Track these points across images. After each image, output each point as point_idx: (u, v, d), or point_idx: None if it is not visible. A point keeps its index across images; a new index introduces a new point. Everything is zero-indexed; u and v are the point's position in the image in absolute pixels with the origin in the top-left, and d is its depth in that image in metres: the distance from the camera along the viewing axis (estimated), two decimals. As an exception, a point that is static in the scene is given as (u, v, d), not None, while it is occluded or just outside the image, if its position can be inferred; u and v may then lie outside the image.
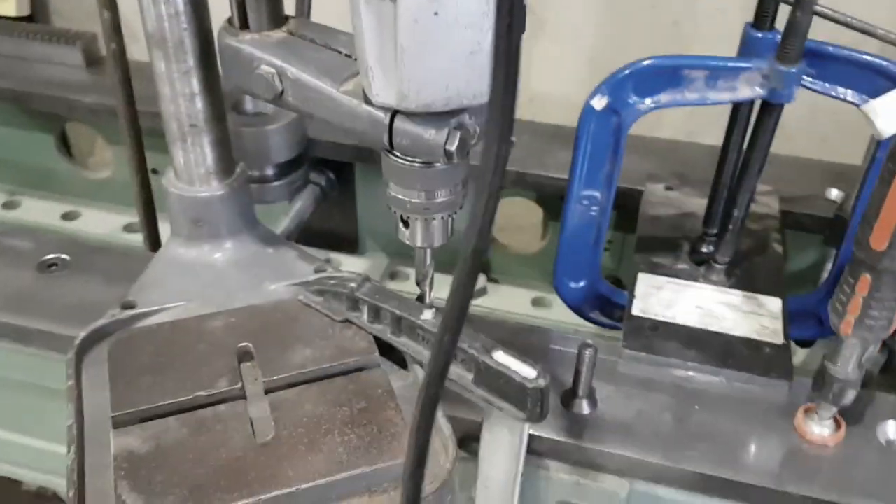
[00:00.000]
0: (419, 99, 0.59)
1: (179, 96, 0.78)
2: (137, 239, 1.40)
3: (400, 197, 0.71)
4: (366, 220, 1.42)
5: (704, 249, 0.96)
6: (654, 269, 0.95)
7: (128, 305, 0.81)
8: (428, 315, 0.72)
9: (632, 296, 0.91)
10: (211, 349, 0.75)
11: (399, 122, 0.64)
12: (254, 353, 0.75)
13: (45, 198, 1.50)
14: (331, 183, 1.35)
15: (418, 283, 0.80)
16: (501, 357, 0.67)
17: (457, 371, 0.70)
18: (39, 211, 1.47)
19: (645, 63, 0.81)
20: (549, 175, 1.17)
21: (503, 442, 0.70)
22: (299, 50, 0.70)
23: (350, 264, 1.41)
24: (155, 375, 0.72)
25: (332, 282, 0.80)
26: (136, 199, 1.07)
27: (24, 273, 0.94)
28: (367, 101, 0.65)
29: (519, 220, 1.38)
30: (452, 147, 0.63)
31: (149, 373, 0.72)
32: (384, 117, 0.64)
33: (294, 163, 1.20)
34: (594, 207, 0.91)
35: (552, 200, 1.26)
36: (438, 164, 0.68)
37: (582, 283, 0.97)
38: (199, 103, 0.79)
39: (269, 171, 1.19)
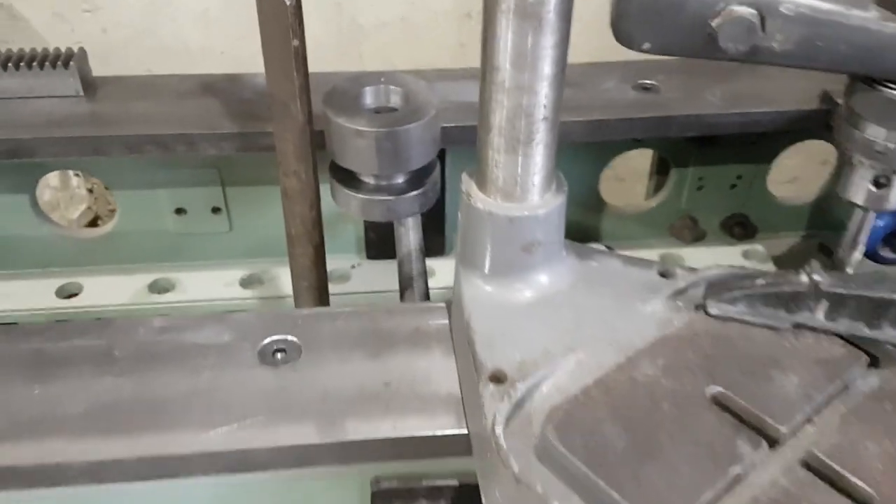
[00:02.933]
0: None
1: (541, 80, 0.56)
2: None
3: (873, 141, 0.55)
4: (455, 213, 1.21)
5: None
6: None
7: (498, 377, 0.59)
8: (946, 292, 0.57)
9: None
10: (678, 406, 0.56)
11: None
12: (733, 397, 0.56)
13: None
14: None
15: (840, 259, 0.65)
16: None
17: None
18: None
19: None
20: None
21: None
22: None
23: (442, 269, 1.20)
24: (653, 461, 0.52)
25: (748, 282, 0.62)
26: (304, 242, 0.80)
27: (251, 371, 0.67)
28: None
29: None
30: None
31: (642, 459, 0.52)
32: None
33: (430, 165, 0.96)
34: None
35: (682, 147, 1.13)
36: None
37: (884, 220, 0.85)
38: (557, 87, 0.57)
39: (401, 180, 0.95)
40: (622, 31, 0.54)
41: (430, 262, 1.18)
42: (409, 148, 0.89)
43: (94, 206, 1.54)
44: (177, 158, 1.05)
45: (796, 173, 1.23)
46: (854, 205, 0.62)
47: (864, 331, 0.60)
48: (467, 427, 0.63)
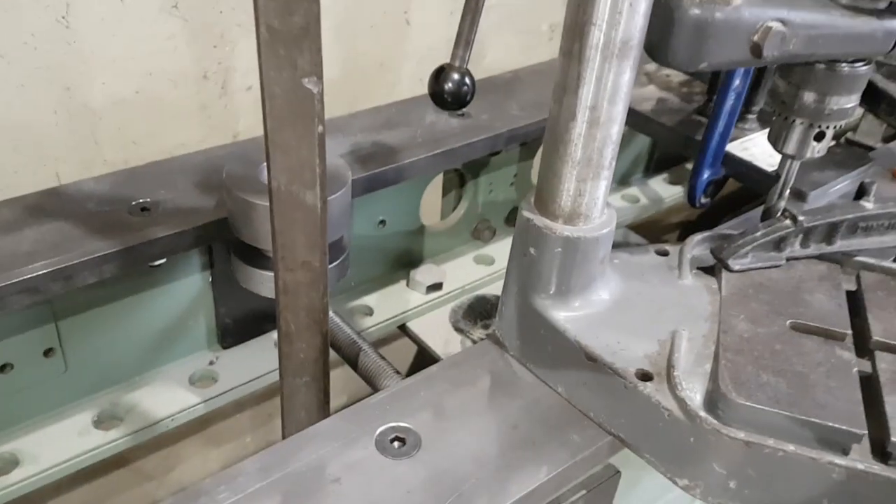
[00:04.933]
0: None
1: (625, 107, 0.64)
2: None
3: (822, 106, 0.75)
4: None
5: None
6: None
7: (646, 375, 0.66)
8: (869, 204, 0.79)
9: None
10: (786, 343, 0.69)
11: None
12: (806, 322, 0.71)
13: None
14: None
15: (770, 207, 0.84)
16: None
17: None
18: None
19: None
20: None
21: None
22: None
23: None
24: (810, 387, 0.64)
25: (751, 238, 0.77)
26: (311, 334, 0.75)
27: None
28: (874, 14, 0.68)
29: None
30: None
31: (805, 390, 0.64)
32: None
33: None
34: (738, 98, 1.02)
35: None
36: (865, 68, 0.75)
37: (708, 173, 1.07)
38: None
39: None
40: (678, 56, 0.64)
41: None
42: (334, 218, 0.88)
43: None
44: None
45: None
46: (787, 156, 0.80)
47: (825, 248, 0.79)
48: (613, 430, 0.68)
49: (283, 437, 0.78)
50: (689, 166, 1.48)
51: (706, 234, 0.81)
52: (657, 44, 0.64)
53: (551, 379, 0.72)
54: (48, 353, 0.95)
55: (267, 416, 1.45)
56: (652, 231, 1.57)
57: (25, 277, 0.79)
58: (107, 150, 1.26)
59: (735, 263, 0.77)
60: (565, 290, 0.70)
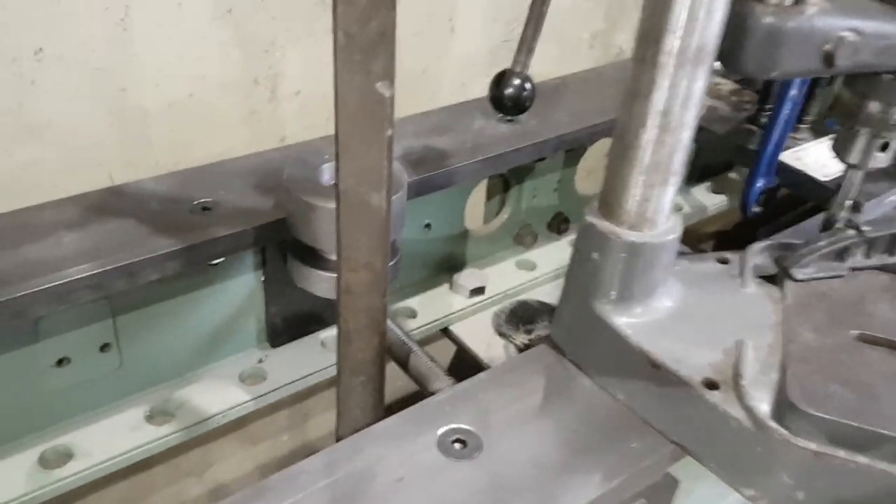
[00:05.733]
0: None
1: (697, 112, 0.64)
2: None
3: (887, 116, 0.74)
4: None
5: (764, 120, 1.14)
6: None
7: (712, 384, 0.66)
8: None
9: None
10: (853, 355, 0.69)
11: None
12: (871, 334, 0.71)
13: None
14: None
15: (831, 217, 0.84)
16: None
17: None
18: None
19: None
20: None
21: None
22: (857, 4, 0.66)
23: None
24: (877, 398, 0.64)
25: (814, 247, 0.77)
26: (369, 334, 0.76)
27: None
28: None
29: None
30: None
31: (871, 400, 0.64)
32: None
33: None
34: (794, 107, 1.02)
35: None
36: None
37: (762, 182, 1.07)
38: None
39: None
40: (750, 64, 0.64)
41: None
42: (392, 220, 0.88)
43: None
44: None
45: (590, 168, 1.43)
46: (850, 165, 0.80)
47: (888, 259, 0.79)
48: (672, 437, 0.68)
49: (337, 434, 0.79)
50: (733, 175, 1.50)
51: (766, 242, 0.81)
52: (729, 51, 0.64)
53: (610, 385, 0.72)
54: (104, 348, 0.96)
55: (303, 416, 1.46)
56: (687, 240, 1.55)
57: (92, 273, 0.80)
58: (158, 151, 1.28)
59: (798, 273, 0.76)
60: (628, 296, 0.70)
